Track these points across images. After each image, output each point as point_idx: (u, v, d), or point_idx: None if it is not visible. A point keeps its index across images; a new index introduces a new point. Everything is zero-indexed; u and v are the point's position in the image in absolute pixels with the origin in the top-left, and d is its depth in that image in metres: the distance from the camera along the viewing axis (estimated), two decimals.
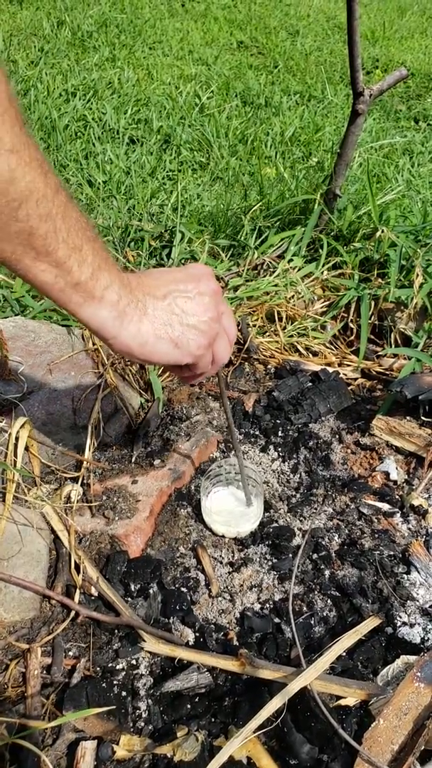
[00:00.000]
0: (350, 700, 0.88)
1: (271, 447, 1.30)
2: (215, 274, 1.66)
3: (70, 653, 0.93)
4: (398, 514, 1.17)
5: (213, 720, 0.86)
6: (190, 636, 0.97)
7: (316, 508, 1.18)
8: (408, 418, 1.32)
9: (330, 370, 1.47)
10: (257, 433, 1.33)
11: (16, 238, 0.57)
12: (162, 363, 0.75)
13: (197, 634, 0.97)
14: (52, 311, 1.45)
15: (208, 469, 1.18)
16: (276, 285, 1.63)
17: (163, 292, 0.72)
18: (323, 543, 1.11)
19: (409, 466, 1.28)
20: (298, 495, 1.21)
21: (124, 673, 0.91)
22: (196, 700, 0.88)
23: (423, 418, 1.31)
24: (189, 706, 0.88)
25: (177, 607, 0.99)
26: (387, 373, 1.52)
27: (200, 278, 0.76)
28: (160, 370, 1.41)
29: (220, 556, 1.09)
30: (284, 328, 1.59)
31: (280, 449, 1.29)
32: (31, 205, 0.56)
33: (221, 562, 1.08)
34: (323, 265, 1.68)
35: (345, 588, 1.03)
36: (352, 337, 1.61)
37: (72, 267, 0.61)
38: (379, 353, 1.57)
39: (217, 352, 0.80)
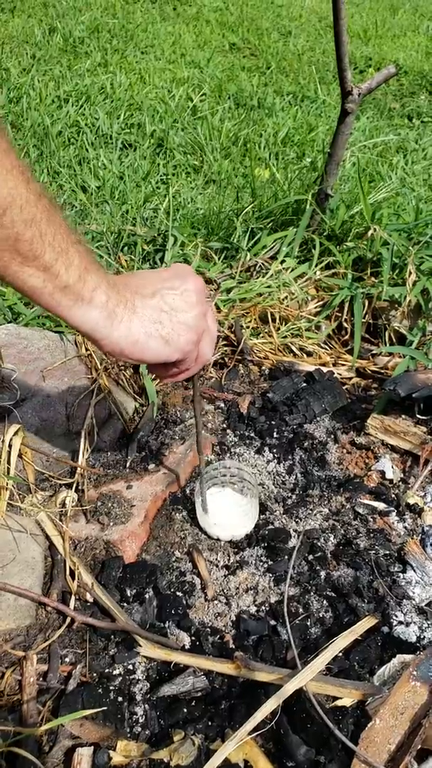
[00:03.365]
0: (346, 701, 0.87)
1: (266, 448, 1.29)
2: (207, 276, 1.66)
3: (66, 660, 0.93)
4: (394, 513, 1.17)
5: (210, 724, 0.86)
6: (186, 640, 0.96)
7: (311, 509, 1.18)
8: (403, 416, 1.32)
9: (324, 369, 1.47)
10: (252, 434, 1.33)
11: (2, 244, 0.58)
12: (153, 361, 0.75)
13: (193, 638, 0.97)
14: (45, 318, 1.45)
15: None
16: (269, 286, 1.63)
17: (150, 290, 0.73)
18: (319, 544, 1.11)
19: (405, 465, 1.27)
20: (293, 496, 1.21)
21: (120, 679, 0.91)
22: (193, 704, 0.88)
23: (418, 416, 1.31)
24: (185, 710, 0.87)
25: (173, 612, 0.99)
26: (382, 371, 1.52)
27: (185, 276, 0.77)
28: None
29: (216, 559, 1.09)
30: (278, 329, 1.59)
31: (275, 450, 1.29)
32: (15, 210, 0.57)
33: (217, 566, 1.08)
34: (316, 265, 1.68)
35: (341, 588, 1.03)
36: (347, 337, 1.61)
37: (59, 270, 0.63)
38: (374, 352, 1.57)
39: (202, 349, 0.81)
